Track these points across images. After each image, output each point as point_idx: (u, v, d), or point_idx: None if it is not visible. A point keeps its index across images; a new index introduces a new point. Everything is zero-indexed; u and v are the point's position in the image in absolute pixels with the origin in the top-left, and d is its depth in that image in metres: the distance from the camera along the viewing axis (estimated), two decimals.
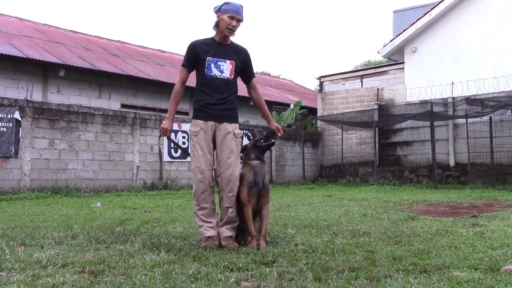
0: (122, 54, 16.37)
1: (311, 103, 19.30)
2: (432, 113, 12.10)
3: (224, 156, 3.54)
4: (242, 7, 3.57)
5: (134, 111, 11.87)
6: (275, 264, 2.77)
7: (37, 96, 12.06)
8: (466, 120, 12.07)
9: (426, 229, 4.15)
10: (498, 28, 12.98)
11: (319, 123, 16.39)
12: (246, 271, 2.60)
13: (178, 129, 11.75)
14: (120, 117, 10.90)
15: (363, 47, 62.53)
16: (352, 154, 15.31)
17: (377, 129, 14.33)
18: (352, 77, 16.70)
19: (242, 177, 3.52)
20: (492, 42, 13.06)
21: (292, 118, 16.36)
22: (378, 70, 16.34)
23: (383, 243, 3.46)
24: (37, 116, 9.48)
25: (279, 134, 3.71)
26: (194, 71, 3.69)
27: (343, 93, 16.14)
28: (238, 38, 3.65)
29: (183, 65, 3.67)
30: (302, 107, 17.11)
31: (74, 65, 12.41)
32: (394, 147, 14.40)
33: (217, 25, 3.60)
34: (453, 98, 13.09)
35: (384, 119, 14.35)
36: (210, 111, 3.57)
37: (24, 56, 11.54)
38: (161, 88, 14.37)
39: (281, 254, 3.05)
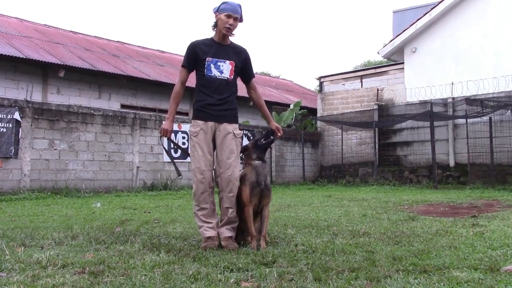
0: (122, 54, 16.37)
1: (311, 103, 19.30)
2: (432, 113, 12.10)
3: (224, 156, 3.54)
4: (240, 6, 3.57)
5: (134, 111, 11.87)
6: (275, 265, 2.77)
7: (37, 97, 12.06)
8: (466, 120, 12.07)
9: (426, 229, 4.15)
10: (498, 28, 12.98)
11: (319, 123, 16.39)
12: (246, 272, 2.60)
13: (178, 129, 11.75)
14: (120, 118, 10.90)
15: (363, 47, 62.60)
16: (352, 155, 15.31)
17: (377, 129, 14.33)
18: (352, 77, 16.70)
19: (244, 177, 3.51)
20: (492, 42, 13.06)
21: (292, 118, 16.37)
22: (378, 70, 16.34)
23: (383, 243, 3.46)
24: (37, 117, 9.48)
25: (279, 134, 3.71)
26: (194, 71, 3.69)
27: (343, 94, 16.15)
28: (238, 38, 3.66)
29: (182, 66, 3.67)
30: (302, 108, 17.11)
31: (74, 65, 12.42)
32: (394, 147, 14.40)
33: (216, 25, 3.61)
34: (453, 98, 13.09)
35: (384, 119, 14.35)
36: (210, 111, 3.57)
37: (24, 57, 11.54)
38: (161, 88, 14.37)
39: (281, 255, 3.05)
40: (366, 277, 2.45)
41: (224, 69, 3.59)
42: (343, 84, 16.59)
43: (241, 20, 3.61)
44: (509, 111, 11.74)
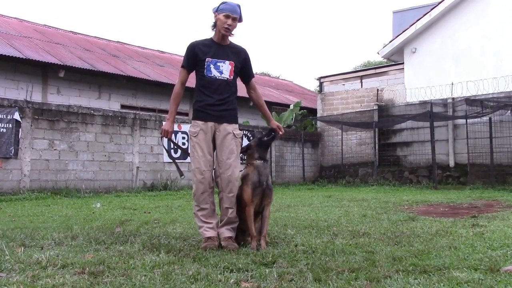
0: (121, 54, 16.37)
1: (311, 103, 19.30)
2: (432, 113, 12.10)
3: (224, 156, 3.54)
4: (239, 6, 3.57)
5: (134, 111, 11.87)
6: (275, 265, 2.77)
7: (36, 97, 12.06)
8: (466, 121, 12.07)
9: (426, 229, 4.15)
10: (498, 29, 12.99)
11: (319, 123, 16.39)
12: (246, 272, 2.60)
13: (178, 129, 11.75)
14: (120, 118, 10.90)
15: (362, 48, 62.63)
16: (352, 155, 15.31)
17: (376, 129, 14.33)
18: (352, 77, 16.69)
19: (246, 177, 3.50)
20: (492, 43, 13.07)
21: (292, 118, 16.37)
22: (378, 70, 16.34)
23: (383, 243, 3.46)
24: (36, 117, 9.48)
25: (280, 132, 3.71)
26: (194, 72, 3.69)
27: (343, 94, 16.15)
28: (237, 38, 3.66)
29: (182, 66, 3.68)
30: (302, 108, 17.11)
31: (73, 65, 12.42)
32: (394, 147, 14.41)
33: (215, 25, 3.61)
34: (453, 98, 13.10)
35: (383, 120, 14.35)
36: (209, 111, 3.57)
37: (24, 57, 11.54)
38: (161, 88, 14.38)
39: (281, 255, 3.05)
40: (366, 277, 2.45)
41: (224, 69, 3.59)
42: (343, 85, 16.59)
43: (240, 20, 3.61)
44: (509, 111, 11.74)
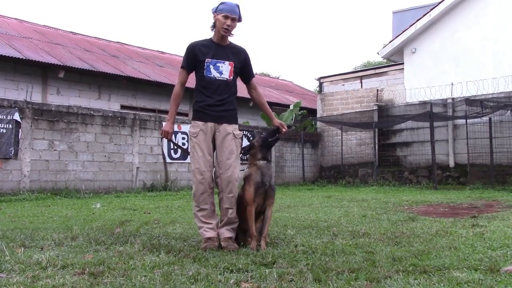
0: (121, 55, 16.37)
1: (310, 104, 19.30)
2: (431, 113, 12.10)
3: (224, 157, 3.54)
4: (238, 6, 3.57)
5: (134, 112, 11.87)
6: (275, 265, 2.77)
7: (36, 98, 12.06)
8: (466, 121, 12.07)
9: (426, 230, 4.15)
10: (498, 29, 12.99)
11: (318, 124, 16.40)
12: (246, 272, 2.60)
13: (177, 130, 11.75)
14: (119, 118, 10.90)
15: (362, 48, 62.65)
16: (352, 155, 15.31)
17: (376, 130, 14.33)
18: (351, 78, 16.69)
19: (249, 177, 3.49)
20: (492, 43, 13.07)
21: (292, 119, 16.36)
22: (377, 71, 16.33)
23: (383, 244, 3.46)
24: (36, 118, 9.48)
25: (284, 130, 3.69)
26: (193, 72, 3.69)
27: (343, 94, 16.16)
28: (237, 38, 3.66)
29: (182, 67, 3.68)
30: (301, 108, 17.10)
31: (73, 66, 12.42)
32: (393, 148, 14.41)
33: (214, 26, 3.61)
34: (453, 98, 13.10)
35: (383, 120, 14.36)
36: (209, 112, 3.57)
37: (24, 58, 11.54)
38: (160, 89, 14.38)
39: (281, 255, 3.05)
40: (366, 277, 2.45)
41: (224, 70, 3.59)
42: (343, 85, 16.59)
43: (239, 20, 3.60)
44: (509, 111, 11.74)
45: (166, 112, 11.81)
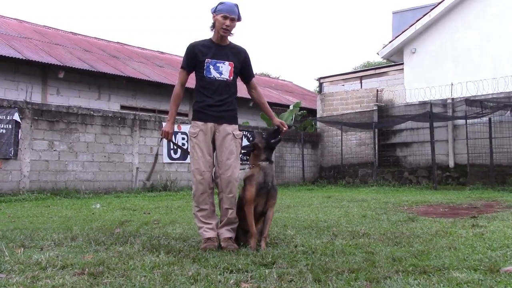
0: (121, 55, 16.37)
1: (310, 104, 19.31)
2: (431, 114, 12.10)
3: (224, 157, 3.54)
4: (237, 6, 3.56)
5: (134, 112, 11.86)
6: (274, 266, 2.77)
7: (36, 98, 12.06)
8: (466, 121, 12.07)
9: (425, 230, 4.15)
10: (497, 29, 13.00)
11: (318, 124, 16.39)
12: (246, 273, 2.61)
13: (177, 130, 11.74)
14: (119, 119, 10.90)
15: (362, 48, 62.66)
16: (352, 155, 15.31)
17: (376, 130, 14.33)
18: (351, 78, 16.70)
19: (251, 177, 3.48)
20: (491, 43, 13.08)
21: (292, 119, 16.36)
22: (377, 71, 16.34)
23: (382, 244, 3.46)
24: (36, 118, 9.48)
25: (285, 129, 3.69)
26: (193, 72, 3.69)
27: (343, 94, 16.16)
28: (237, 38, 3.66)
29: (182, 67, 3.68)
30: (301, 108, 17.10)
31: (73, 66, 12.42)
32: (393, 148, 14.41)
33: (213, 26, 3.61)
34: (453, 99, 13.10)
35: (383, 120, 14.35)
36: (209, 112, 3.57)
37: (24, 58, 11.54)
38: (160, 89, 14.38)
39: (281, 256, 3.05)
40: (365, 278, 2.45)
41: (223, 70, 3.59)
42: (343, 85, 16.59)
43: (239, 19, 3.60)
44: (509, 111, 11.74)
45: (166, 112, 11.81)
